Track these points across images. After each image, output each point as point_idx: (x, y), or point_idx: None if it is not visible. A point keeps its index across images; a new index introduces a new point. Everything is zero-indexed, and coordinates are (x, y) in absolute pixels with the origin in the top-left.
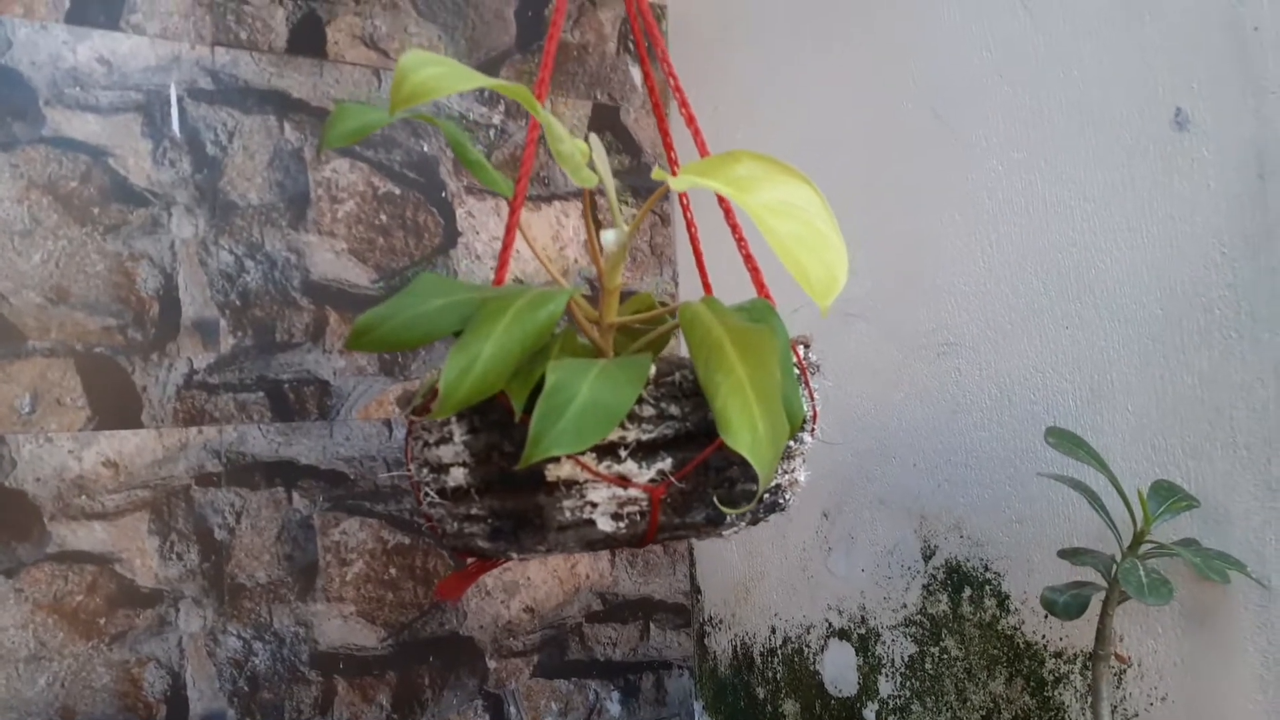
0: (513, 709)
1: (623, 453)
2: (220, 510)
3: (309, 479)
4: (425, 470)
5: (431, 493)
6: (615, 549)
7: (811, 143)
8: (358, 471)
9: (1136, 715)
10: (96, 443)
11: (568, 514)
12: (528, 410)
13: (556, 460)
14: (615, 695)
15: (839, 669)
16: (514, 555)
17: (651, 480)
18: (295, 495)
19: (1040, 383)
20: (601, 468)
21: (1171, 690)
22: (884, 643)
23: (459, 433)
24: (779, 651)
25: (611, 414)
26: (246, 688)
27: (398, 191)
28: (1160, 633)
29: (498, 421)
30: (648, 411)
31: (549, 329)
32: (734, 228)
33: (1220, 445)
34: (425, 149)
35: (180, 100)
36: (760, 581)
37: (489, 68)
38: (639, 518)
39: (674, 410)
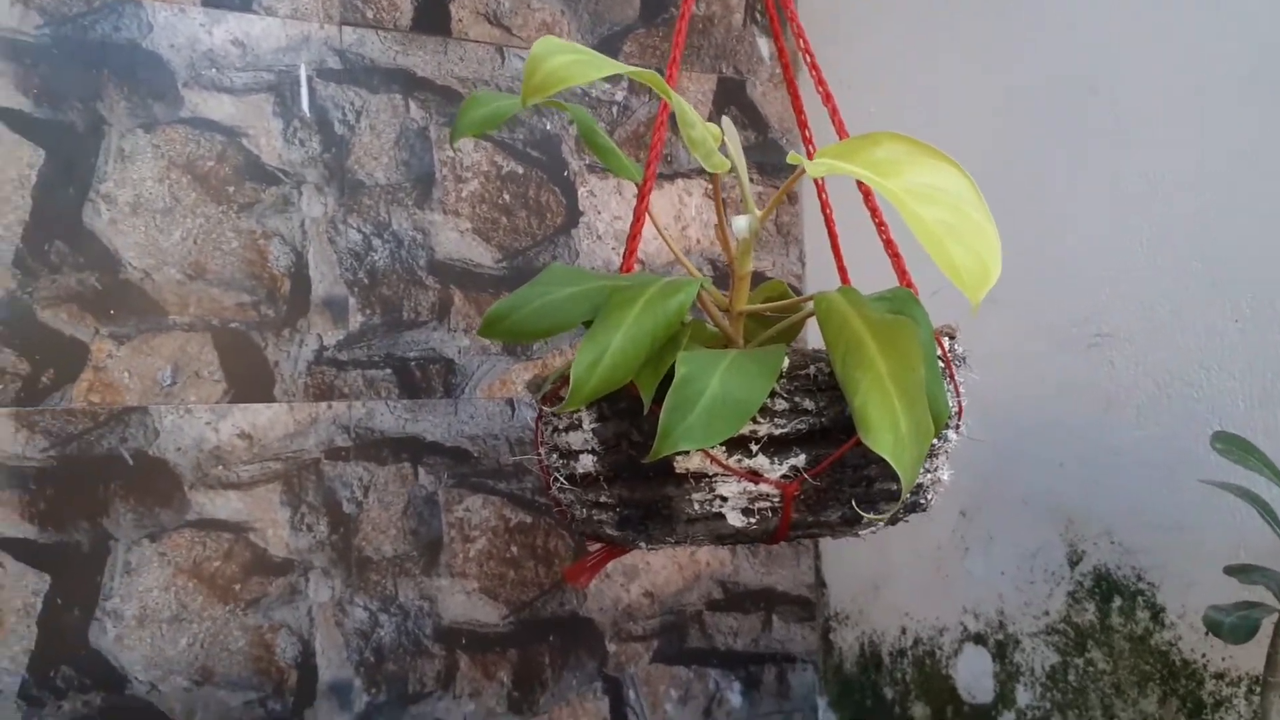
0: (632, 693)
1: (754, 447)
2: (349, 484)
3: (434, 455)
4: (555, 455)
5: (561, 478)
6: (745, 544)
7: (946, 118)
8: (481, 449)
9: None
10: (232, 415)
11: (697, 507)
12: (657, 400)
13: (685, 453)
14: (737, 686)
15: (973, 675)
16: (642, 544)
17: (784, 476)
18: (421, 471)
19: (1204, 380)
20: (731, 461)
21: None
22: (1023, 650)
23: (588, 420)
24: (909, 653)
25: (743, 408)
26: (372, 658)
27: (520, 170)
28: None
29: (627, 409)
30: (780, 405)
31: (679, 319)
32: (873, 211)
33: None
34: (548, 127)
35: (310, 80)
36: (891, 579)
37: (612, 41)
38: (770, 514)
39: (808, 404)
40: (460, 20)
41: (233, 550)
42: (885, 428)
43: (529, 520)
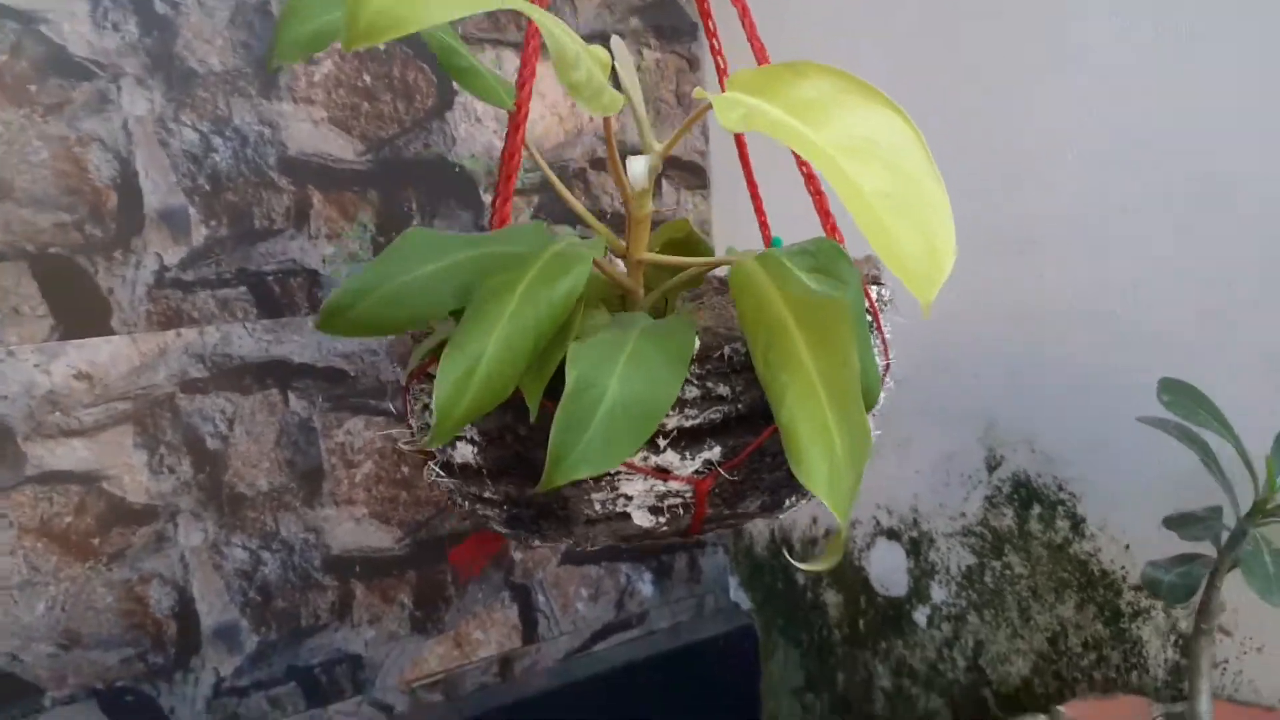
0: (541, 597)
1: (661, 442)
2: (210, 418)
3: (305, 378)
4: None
5: (435, 467)
6: (656, 541)
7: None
8: (358, 368)
9: (1226, 661)
10: (65, 354)
11: (598, 507)
12: (549, 397)
13: None
14: (648, 576)
15: (886, 569)
16: (537, 543)
17: (697, 472)
18: (292, 397)
19: (1142, 297)
20: (637, 459)
21: (1270, 641)
22: (938, 549)
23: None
24: (820, 541)
25: (649, 414)
26: (259, 597)
27: (381, 47)
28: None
29: (509, 401)
30: (692, 393)
31: (567, 309)
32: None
33: None
34: None
35: None
36: None
37: None
38: (682, 511)
39: (723, 390)
40: None
41: (85, 503)
42: (818, 455)
43: None
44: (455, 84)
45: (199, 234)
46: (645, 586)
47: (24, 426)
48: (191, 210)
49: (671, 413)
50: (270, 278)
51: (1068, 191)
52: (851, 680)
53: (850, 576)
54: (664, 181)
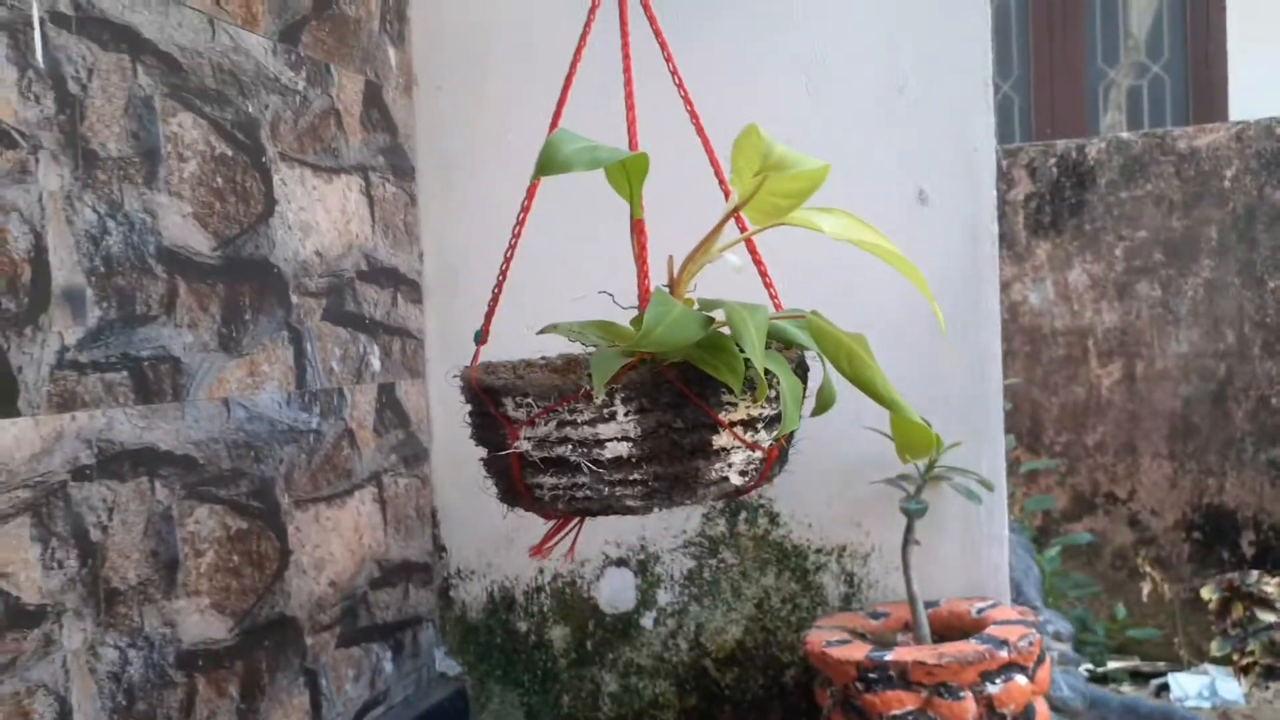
0: (324, 681)
1: (759, 426)
2: (94, 508)
3: (167, 466)
4: (570, 445)
5: (586, 463)
6: (733, 497)
7: None
8: (205, 455)
9: (878, 581)
10: None
11: (714, 473)
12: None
13: (718, 433)
14: (389, 654)
15: (615, 590)
16: (656, 509)
17: (768, 444)
18: (157, 485)
19: None
20: (747, 437)
21: (899, 562)
22: (663, 563)
23: (623, 412)
24: (547, 587)
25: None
26: (124, 701)
27: (230, 153)
28: (898, 527)
29: (669, 403)
30: (773, 394)
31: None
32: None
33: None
34: (250, 109)
35: (43, 23)
36: (525, 531)
37: (294, 29)
38: (755, 472)
39: (776, 395)
40: None
41: None
42: (892, 393)
43: (245, 526)
44: (284, 139)
45: (93, 315)
46: (387, 665)
47: None
48: (89, 290)
49: (766, 406)
50: (146, 363)
51: None
52: (577, 697)
53: (578, 608)
54: (395, 294)
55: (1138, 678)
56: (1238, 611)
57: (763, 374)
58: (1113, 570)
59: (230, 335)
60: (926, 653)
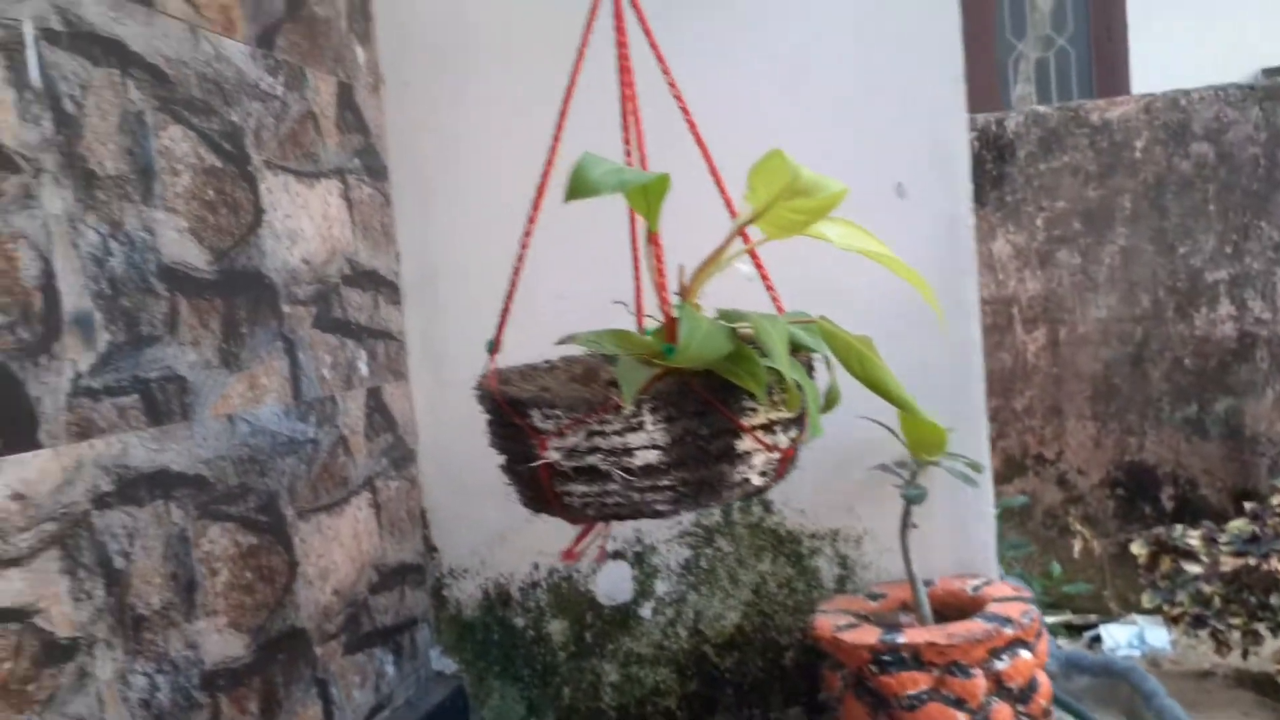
0: (334, 690)
1: (777, 428)
2: (116, 535)
3: (180, 487)
4: (600, 454)
5: (617, 471)
6: (753, 496)
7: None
8: (215, 473)
9: (871, 563)
10: (2, 472)
11: (738, 475)
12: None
13: (740, 438)
14: (390, 658)
15: (613, 583)
16: (683, 512)
17: (786, 445)
18: (173, 507)
19: None
20: (767, 440)
21: (895, 545)
22: (660, 554)
23: (651, 421)
24: (543, 583)
25: (717, 347)
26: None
27: (219, 164)
28: (889, 510)
29: (695, 412)
30: (779, 395)
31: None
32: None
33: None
34: (234, 118)
35: (36, 41)
36: (519, 528)
37: (270, 32)
38: (773, 471)
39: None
40: None
41: (21, 644)
42: (899, 388)
43: (255, 541)
44: (267, 147)
45: (103, 339)
46: (389, 668)
47: None
48: (97, 314)
49: (781, 410)
50: (154, 384)
51: None
52: (578, 688)
53: (575, 601)
54: (377, 297)
55: (1072, 630)
56: (1165, 565)
57: (793, 386)
58: (1044, 529)
59: (230, 350)
60: (937, 633)
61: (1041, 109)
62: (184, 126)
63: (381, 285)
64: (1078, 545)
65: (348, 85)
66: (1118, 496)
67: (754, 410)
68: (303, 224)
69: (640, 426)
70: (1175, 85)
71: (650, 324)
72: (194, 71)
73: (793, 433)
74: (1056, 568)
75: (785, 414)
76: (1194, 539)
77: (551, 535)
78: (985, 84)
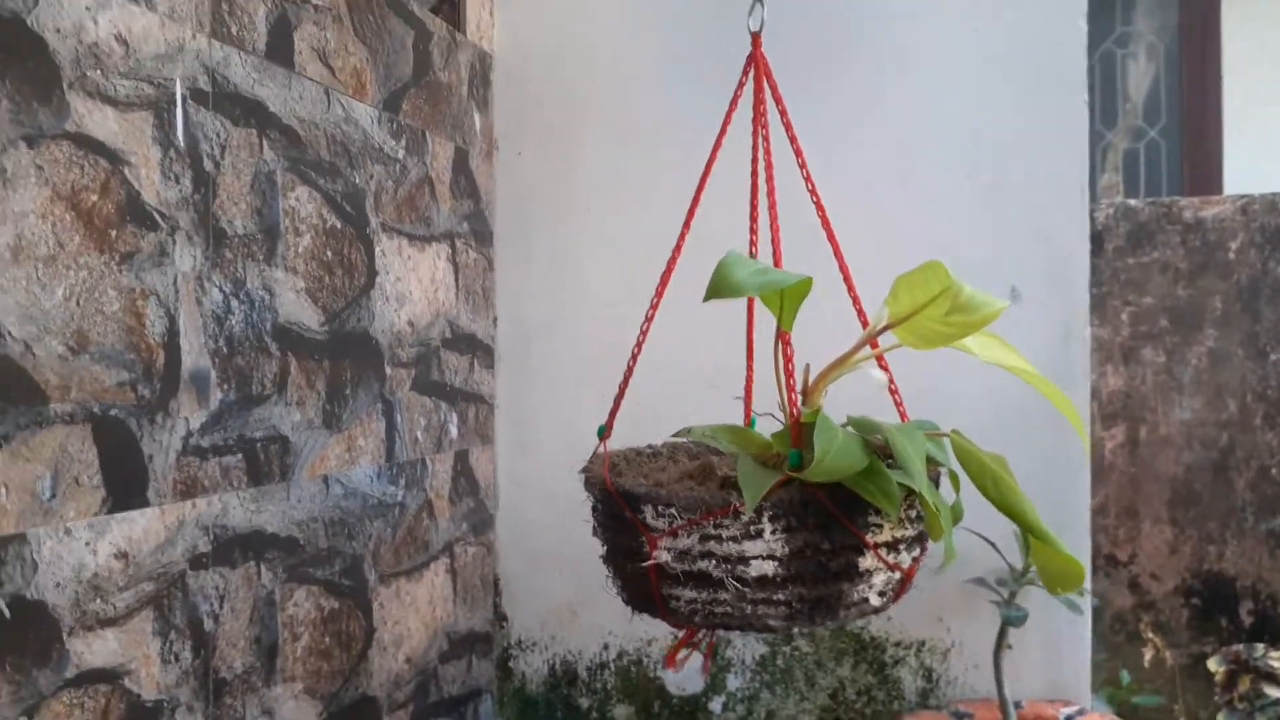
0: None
1: (901, 547)
2: (208, 596)
3: (272, 549)
4: (713, 560)
5: (730, 580)
6: (869, 615)
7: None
8: (305, 535)
9: (957, 678)
10: (110, 530)
11: (857, 594)
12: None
13: (863, 555)
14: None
15: (685, 673)
16: (796, 629)
17: (908, 565)
18: (263, 569)
19: None
20: (890, 558)
21: (983, 661)
22: (735, 647)
23: (770, 530)
24: (612, 664)
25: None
26: None
27: (339, 225)
28: (981, 625)
29: (817, 524)
30: (913, 514)
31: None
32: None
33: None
34: (357, 180)
35: (184, 100)
36: (593, 604)
37: (397, 97)
38: (892, 592)
39: (915, 516)
40: (301, 53)
41: (110, 705)
42: (1036, 515)
43: (337, 605)
44: (385, 210)
45: (215, 398)
46: None
47: (70, 618)
48: (213, 372)
49: (909, 526)
50: (259, 444)
51: None
52: None
53: (644, 688)
54: (473, 360)
55: None
56: (1244, 685)
57: (934, 510)
58: (1112, 633)
59: (333, 411)
60: None
61: (1132, 203)
62: (310, 187)
63: (478, 349)
64: (1149, 654)
65: (464, 151)
66: (1193, 606)
67: (879, 526)
68: (411, 287)
69: (759, 535)
70: (1270, 185)
71: (761, 418)
72: (324, 133)
73: (915, 551)
74: (1126, 676)
75: (909, 531)
76: (1276, 660)
77: (622, 615)
78: None
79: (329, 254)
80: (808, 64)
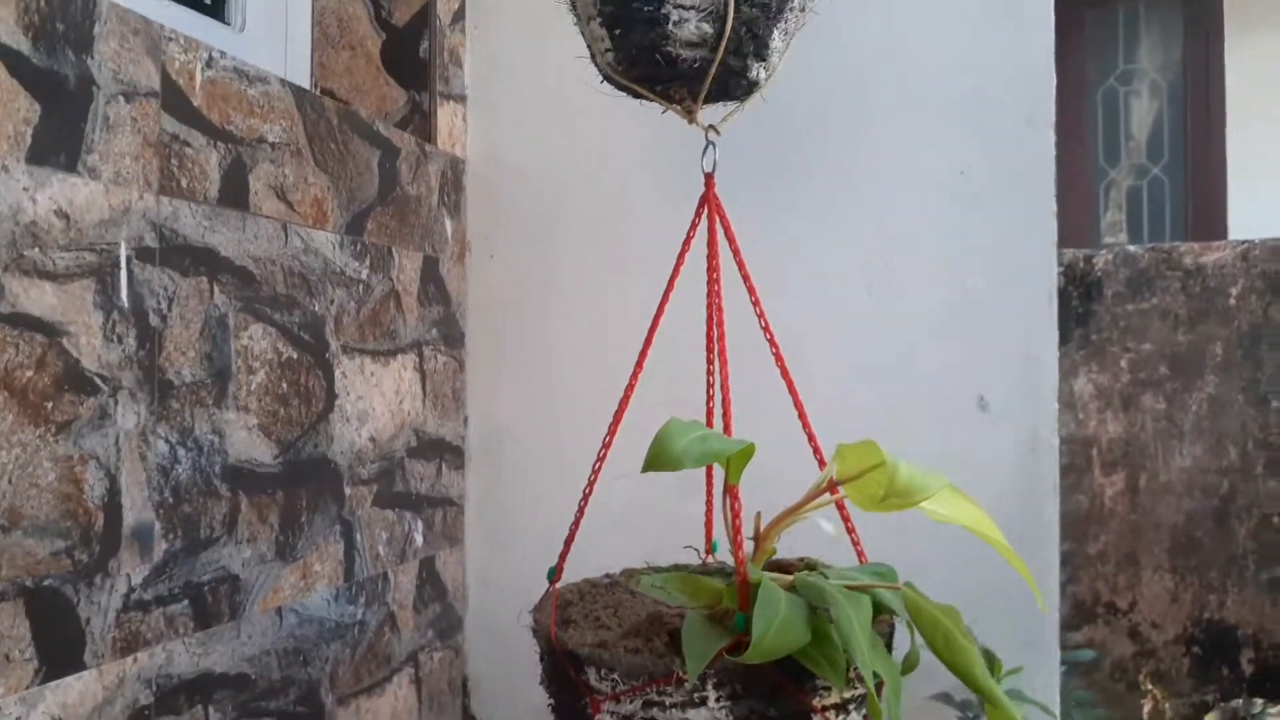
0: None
1: (851, 708)
2: None
3: (221, 689)
4: None
5: None
6: None
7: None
8: (257, 670)
9: None
10: (44, 699)
11: None
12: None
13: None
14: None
15: None
16: None
17: None
18: (211, 710)
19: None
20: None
21: None
22: None
23: (714, 697)
24: None
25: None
26: None
27: (295, 355)
28: None
29: (762, 692)
30: (858, 674)
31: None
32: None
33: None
34: (316, 308)
35: (129, 261)
36: None
37: (361, 219)
38: None
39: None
40: (256, 194)
41: None
42: (990, 680)
43: None
44: (345, 332)
45: (159, 549)
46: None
47: None
48: (157, 524)
49: (859, 685)
50: (206, 587)
51: None
52: None
53: None
54: (440, 465)
55: None
56: None
57: (874, 695)
58: (1111, 681)
59: (286, 541)
60: None
61: (1132, 248)
62: (265, 324)
63: (446, 452)
64: (1148, 705)
65: (433, 259)
66: (1194, 655)
67: (828, 689)
68: (374, 403)
69: (703, 703)
70: (1274, 226)
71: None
72: (280, 267)
73: (864, 710)
74: None
75: (860, 690)
76: (1274, 716)
77: None
78: (1076, 211)
79: (284, 386)
80: (768, 171)
